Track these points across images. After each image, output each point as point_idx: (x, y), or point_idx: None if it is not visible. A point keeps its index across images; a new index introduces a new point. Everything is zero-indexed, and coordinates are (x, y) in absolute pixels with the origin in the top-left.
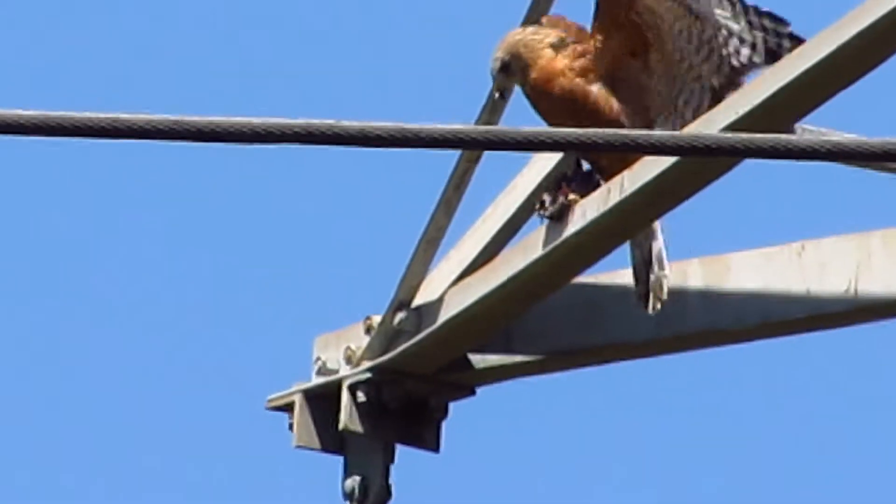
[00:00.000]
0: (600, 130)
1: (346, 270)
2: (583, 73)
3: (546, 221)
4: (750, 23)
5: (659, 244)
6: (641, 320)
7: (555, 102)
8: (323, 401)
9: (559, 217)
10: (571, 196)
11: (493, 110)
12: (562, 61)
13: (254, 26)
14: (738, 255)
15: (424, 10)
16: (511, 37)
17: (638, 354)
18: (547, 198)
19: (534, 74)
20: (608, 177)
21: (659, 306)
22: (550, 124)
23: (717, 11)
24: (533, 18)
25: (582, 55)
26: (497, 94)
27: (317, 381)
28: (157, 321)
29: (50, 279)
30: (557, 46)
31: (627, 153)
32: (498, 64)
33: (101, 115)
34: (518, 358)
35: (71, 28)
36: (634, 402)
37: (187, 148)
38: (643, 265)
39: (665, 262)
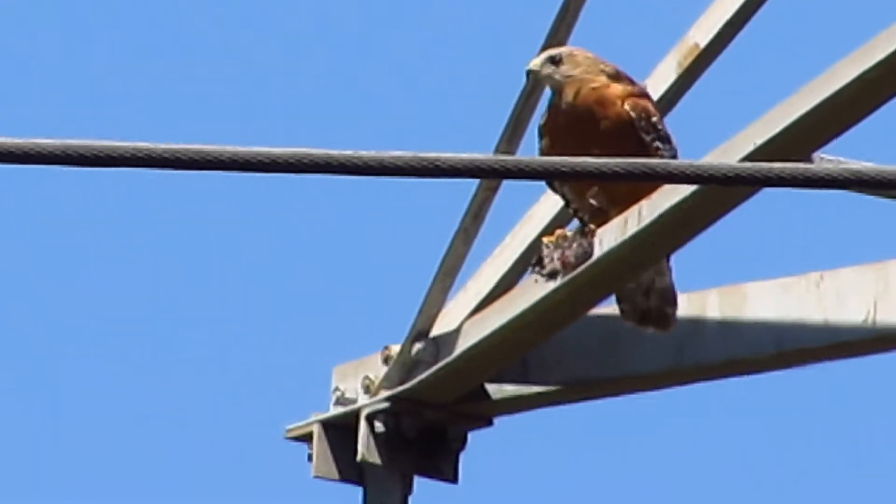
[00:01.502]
0: (619, 160)
1: (364, 300)
2: (634, 107)
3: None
4: None
5: (666, 281)
6: (659, 350)
7: (593, 126)
8: (341, 431)
9: (553, 276)
10: (591, 226)
11: (510, 140)
12: (619, 88)
13: (273, 58)
14: (756, 284)
15: (443, 41)
16: (574, 47)
17: (655, 385)
18: (545, 252)
19: (585, 91)
20: (603, 220)
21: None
22: (559, 148)
23: None
24: (552, 46)
25: (637, 96)
26: (527, 79)
27: (335, 410)
28: (176, 351)
29: (66, 314)
30: (613, 77)
31: (645, 182)
32: (551, 53)
33: (125, 144)
34: (536, 388)
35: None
36: (652, 433)
37: (208, 177)
38: (638, 290)
39: (675, 299)
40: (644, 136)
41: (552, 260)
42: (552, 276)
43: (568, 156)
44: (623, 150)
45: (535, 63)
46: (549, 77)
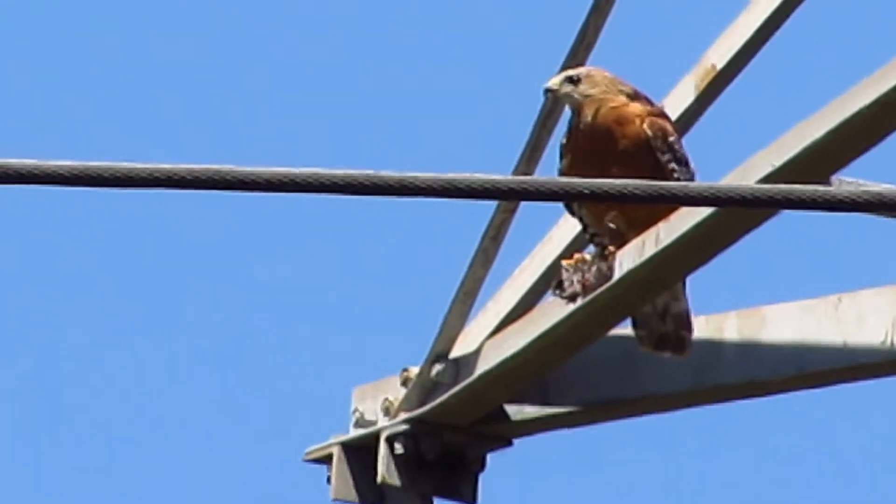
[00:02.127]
0: (637, 182)
1: (383, 322)
2: (652, 126)
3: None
4: None
5: (681, 306)
6: (678, 372)
7: (612, 145)
8: (361, 452)
9: (573, 299)
10: (611, 248)
11: (529, 161)
12: (638, 107)
13: (294, 78)
14: (775, 307)
15: (462, 62)
16: (593, 67)
17: (675, 406)
18: (565, 276)
19: (604, 110)
20: (621, 244)
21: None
22: (578, 168)
23: None
24: (571, 67)
25: (656, 116)
26: (546, 99)
27: (354, 432)
28: (196, 373)
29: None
30: (631, 97)
31: (664, 204)
32: (569, 72)
33: (143, 165)
34: (555, 409)
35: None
36: (671, 454)
37: (227, 197)
38: (654, 314)
39: (691, 323)
40: (660, 155)
41: (572, 283)
42: (572, 298)
43: (587, 176)
44: (640, 171)
45: (554, 82)
46: (568, 96)
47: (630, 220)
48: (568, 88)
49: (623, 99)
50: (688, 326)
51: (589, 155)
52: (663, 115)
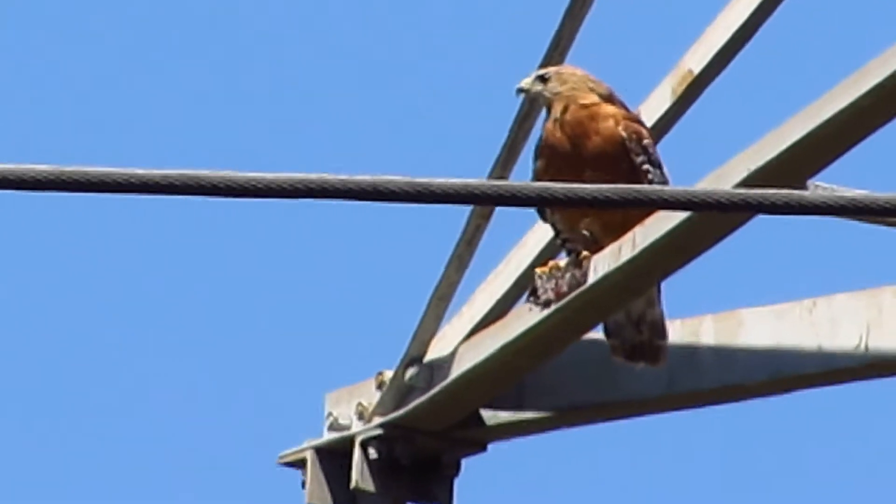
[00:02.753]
0: (613, 186)
1: (357, 326)
2: (627, 128)
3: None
4: None
5: (656, 313)
6: (654, 376)
7: (583, 143)
8: (335, 457)
9: (547, 306)
10: (585, 253)
11: (505, 165)
12: (611, 109)
13: (266, 83)
14: (750, 311)
15: (437, 67)
16: (565, 65)
17: (650, 410)
18: (539, 284)
19: (573, 107)
20: (595, 250)
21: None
22: (552, 169)
23: None
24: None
25: (630, 119)
26: (519, 99)
27: (328, 436)
28: (170, 378)
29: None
30: (606, 98)
31: (639, 209)
32: (540, 71)
33: (117, 170)
34: (530, 414)
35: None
36: (647, 459)
37: (200, 203)
38: (628, 323)
39: (665, 331)
40: (635, 157)
41: (546, 291)
42: (546, 305)
43: (560, 177)
44: (614, 171)
45: (526, 82)
46: (539, 94)
47: (604, 224)
48: (539, 87)
49: (594, 97)
50: (663, 334)
51: (561, 155)
52: (638, 120)
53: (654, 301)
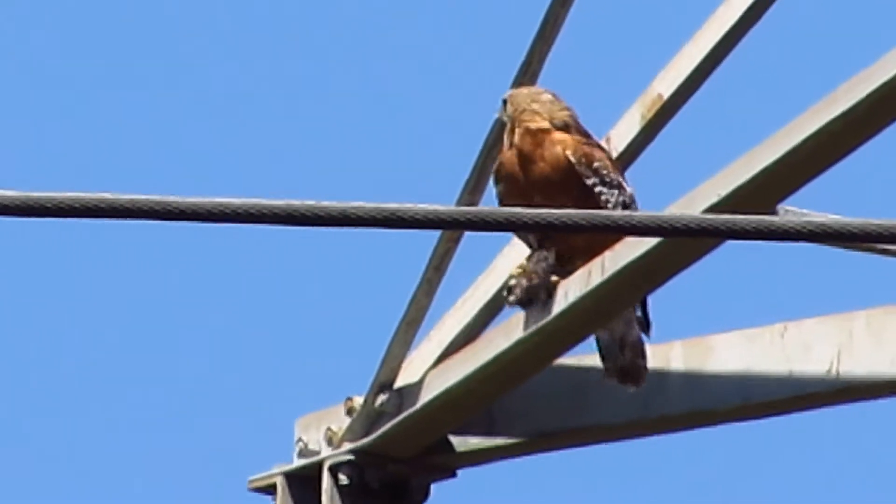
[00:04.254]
0: (581, 212)
1: (327, 351)
2: (575, 152)
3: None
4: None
5: (635, 333)
6: (624, 402)
7: (531, 165)
8: (305, 482)
9: (526, 304)
10: (554, 278)
11: (474, 190)
12: (560, 135)
13: (231, 107)
14: (721, 336)
15: (407, 91)
16: (519, 88)
17: (621, 436)
18: (513, 283)
19: (519, 131)
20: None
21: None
22: (509, 193)
23: None
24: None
25: (581, 143)
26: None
27: (298, 462)
28: (139, 403)
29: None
30: (561, 122)
31: (608, 234)
32: (504, 95)
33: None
34: (500, 440)
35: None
36: (617, 484)
37: (170, 228)
38: (615, 345)
39: (645, 351)
40: (586, 180)
41: (520, 285)
42: (521, 303)
43: (514, 201)
44: (563, 196)
45: (499, 108)
46: (500, 119)
47: (571, 248)
48: (500, 112)
49: (544, 123)
50: (643, 354)
51: (513, 179)
52: (591, 144)
53: (633, 322)
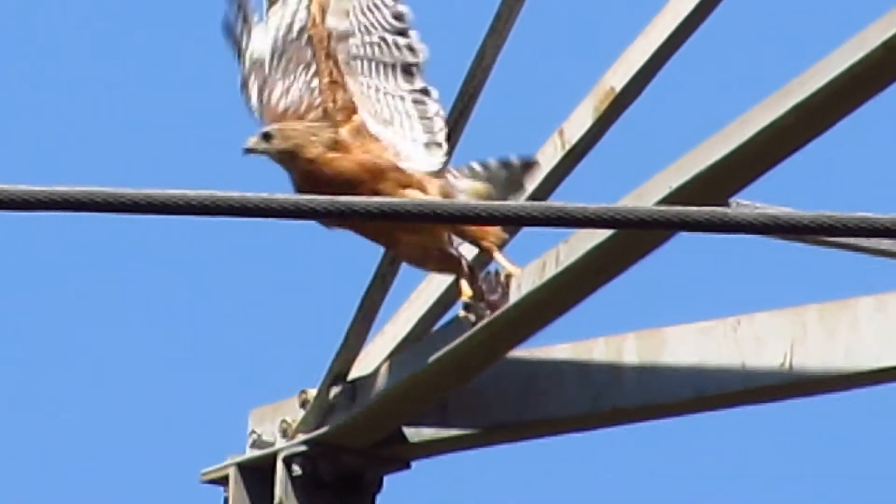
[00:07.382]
0: (532, 203)
1: (281, 344)
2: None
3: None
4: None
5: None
6: (578, 394)
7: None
8: (258, 473)
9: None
10: (513, 268)
11: None
12: (331, 154)
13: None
14: (674, 329)
15: None
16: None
17: (574, 428)
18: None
19: (301, 163)
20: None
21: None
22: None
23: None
24: (467, 92)
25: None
26: (245, 153)
27: (251, 453)
28: (91, 394)
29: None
30: (330, 142)
31: (561, 227)
32: (264, 129)
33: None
34: (453, 431)
35: None
36: (570, 476)
37: (125, 219)
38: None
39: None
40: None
41: (477, 308)
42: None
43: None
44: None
45: (251, 142)
46: (266, 152)
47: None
48: (263, 146)
49: (318, 149)
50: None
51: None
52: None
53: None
